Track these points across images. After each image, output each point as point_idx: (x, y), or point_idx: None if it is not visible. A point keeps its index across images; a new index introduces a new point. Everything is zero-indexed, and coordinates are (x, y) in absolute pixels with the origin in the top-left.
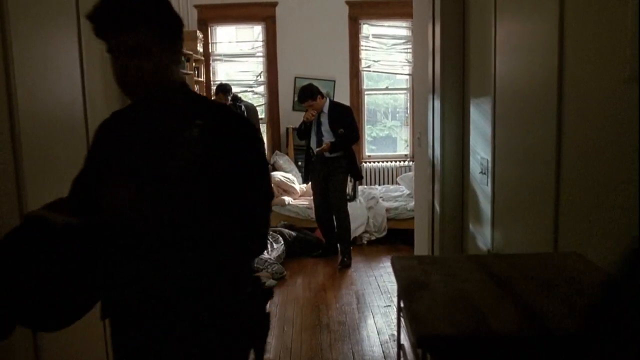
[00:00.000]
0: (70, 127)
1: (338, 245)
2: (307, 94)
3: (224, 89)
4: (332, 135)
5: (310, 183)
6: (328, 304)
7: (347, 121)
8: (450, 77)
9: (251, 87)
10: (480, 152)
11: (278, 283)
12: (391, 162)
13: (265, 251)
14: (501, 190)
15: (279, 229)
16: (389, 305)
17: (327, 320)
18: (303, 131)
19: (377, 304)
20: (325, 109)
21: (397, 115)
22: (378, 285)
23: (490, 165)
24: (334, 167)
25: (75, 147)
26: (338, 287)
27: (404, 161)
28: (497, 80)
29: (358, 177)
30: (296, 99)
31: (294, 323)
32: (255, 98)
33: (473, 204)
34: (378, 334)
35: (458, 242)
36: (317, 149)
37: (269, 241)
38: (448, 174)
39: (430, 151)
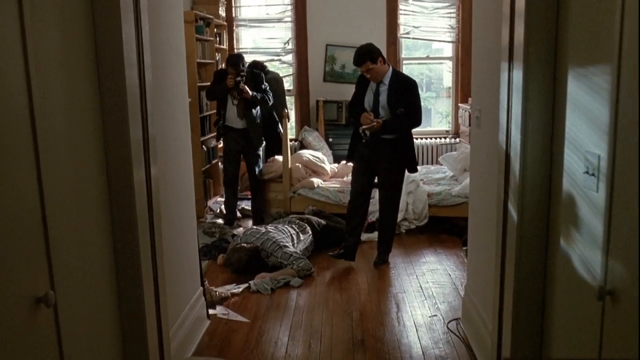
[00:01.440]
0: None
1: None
2: (366, 54)
3: (232, 61)
4: (389, 113)
5: (352, 165)
6: (363, 311)
7: (411, 99)
8: (538, 42)
9: (278, 55)
10: (586, 143)
11: (304, 282)
12: (430, 138)
13: (290, 243)
14: (624, 200)
15: (307, 216)
16: (435, 315)
17: (361, 335)
18: (354, 107)
19: (421, 312)
20: (387, 79)
21: (432, 86)
22: (420, 286)
23: (605, 163)
24: (387, 153)
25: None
26: (374, 289)
27: (445, 138)
28: (623, 41)
29: (412, 169)
30: (328, 65)
31: (322, 337)
32: (283, 68)
33: (570, 216)
34: (424, 355)
35: (541, 264)
36: (365, 126)
37: (294, 232)
38: (531, 170)
39: (501, 136)
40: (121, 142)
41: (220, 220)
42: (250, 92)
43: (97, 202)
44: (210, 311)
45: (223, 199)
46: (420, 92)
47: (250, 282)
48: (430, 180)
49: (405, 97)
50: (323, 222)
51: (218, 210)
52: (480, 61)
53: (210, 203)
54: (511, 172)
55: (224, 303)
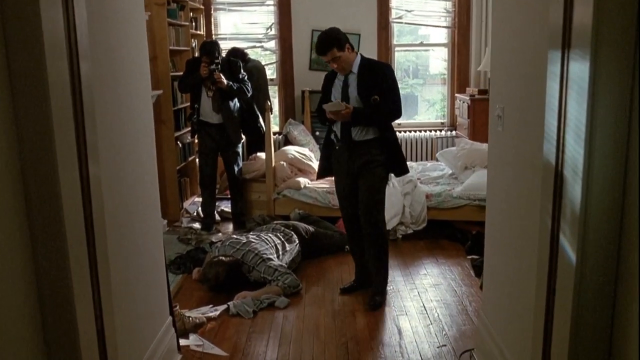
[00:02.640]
0: None
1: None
2: (332, 40)
3: (207, 49)
4: (361, 104)
5: (333, 179)
6: (359, 340)
7: (386, 85)
8: (614, 23)
9: (260, 42)
10: None
11: (291, 301)
12: (423, 131)
13: (275, 254)
14: None
15: (293, 222)
16: (444, 346)
17: None
18: (323, 112)
19: (427, 340)
20: (355, 67)
21: (419, 73)
22: (423, 306)
23: None
24: (367, 157)
25: None
26: (372, 311)
27: (441, 130)
28: None
29: (401, 171)
30: (314, 53)
31: None
32: (266, 55)
33: None
34: None
35: (607, 322)
36: (329, 112)
37: (278, 241)
38: (598, 198)
39: (548, 147)
40: (41, 140)
41: (197, 225)
42: (226, 82)
43: (8, 215)
44: (182, 341)
45: (200, 200)
46: (406, 79)
47: (229, 303)
48: (427, 179)
49: (379, 84)
50: (311, 228)
51: (195, 213)
52: (502, 48)
53: (186, 204)
54: (566, 198)
55: (199, 331)
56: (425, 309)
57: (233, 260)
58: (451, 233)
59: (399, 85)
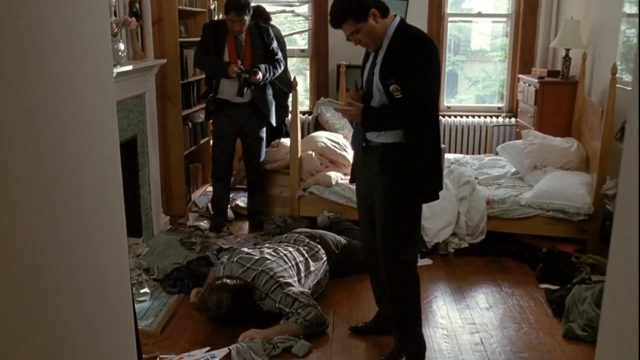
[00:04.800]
0: None
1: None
2: (344, 9)
3: (236, 4)
4: (384, 95)
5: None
6: None
7: (412, 70)
8: None
9: (291, 6)
10: None
11: (314, 344)
12: (475, 116)
13: (296, 277)
14: None
15: (320, 233)
16: None
17: None
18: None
19: None
20: (387, 40)
21: (460, 48)
22: (487, 356)
23: None
24: (382, 169)
25: None
26: None
27: (498, 117)
28: None
29: (427, 196)
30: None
31: None
32: (298, 22)
33: None
34: None
35: None
36: (337, 110)
37: (301, 258)
38: None
39: None
40: None
41: (204, 224)
42: (260, 73)
43: None
44: None
45: (212, 192)
46: (445, 59)
47: (231, 347)
48: (486, 180)
49: (403, 65)
50: (343, 240)
51: (204, 208)
52: None
53: (195, 196)
54: None
55: None
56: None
57: (241, 285)
58: (516, 250)
59: (444, 69)
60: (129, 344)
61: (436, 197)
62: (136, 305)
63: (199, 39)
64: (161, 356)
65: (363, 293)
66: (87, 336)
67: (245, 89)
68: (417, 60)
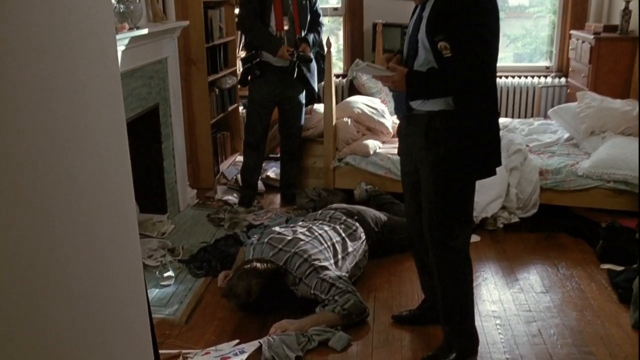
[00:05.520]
0: None
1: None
2: None
3: None
4: (430, 57)
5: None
6: None
7: (463, 24)
8: None
9: None
10: None
11: (353, 336)
12: (519, 76)
13: (332, 259)
14: None
15: (358, 209)
16: None
17: None
18: None
19: None
20: None
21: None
22: (549, 354)
23: None
24: (429, 140)
25: None
26: None
27: (546, 77)
28: None
29: (483, 171)
30: None
31: None
32: None
33: None
34: None
35: None
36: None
37: (337, 238)
38: None
39: None
40: None
41: (233, 197)
42: (309, 49)
43: None
44: None
45: (242, 163)
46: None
47: (262, 340)
48: (537, 147)
49: (454, 18)
50: (383, 217)
51: (233, 180)
52: None
53: (224, 167)
54: None
55: None
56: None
57: (272, 269)
58: (572, 225)
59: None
60: (144, 343)
61: (492, 173)
62: (160, 291)
63: None
64: (184, 352)
65: (405, 275)
66: (96, 337)
67: (296, 67)
68: (470, 11)
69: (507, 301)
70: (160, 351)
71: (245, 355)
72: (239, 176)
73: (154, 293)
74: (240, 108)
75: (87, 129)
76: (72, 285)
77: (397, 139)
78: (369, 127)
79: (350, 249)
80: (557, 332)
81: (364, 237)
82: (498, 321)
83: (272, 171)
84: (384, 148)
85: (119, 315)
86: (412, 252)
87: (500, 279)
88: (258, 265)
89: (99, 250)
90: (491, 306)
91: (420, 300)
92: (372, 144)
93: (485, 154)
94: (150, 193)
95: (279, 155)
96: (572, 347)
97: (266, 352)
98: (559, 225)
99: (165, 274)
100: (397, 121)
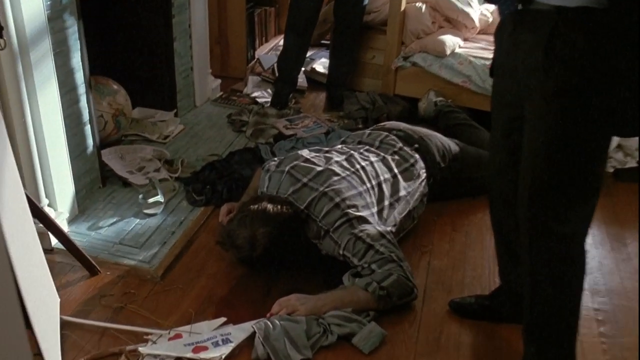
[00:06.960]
0: None
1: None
2: None
3: None
4: None
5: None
6: None
7: None
8: None
9: None
10: None
11: (390, 330)
12: None
13: (377, 206)
14: None
15: (422, 132)
16: None
17: None
18: None
19: None
20: None
21: None
22: None
23: None
24: (544, 65)
25: None
26: None
27: None
28: None
29: (622, 128)
30: None
31: None
32: None
33: None
34: None
35: None
36: None
37: (387, 175)
38: None
39: None
40: None
41: (266, 94)
42: None
43: None
44: None
45: (282, 49)
46: None
47: (256, 325)
48: None
49: None
50: (454, 147)
51: (270, 70)
52: None
53: (260, 52)
54: None
55: None
56: None
57: (288, 214)
58: None
59: None
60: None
61: None
62: (140, 222)
63: None
64: (129, 348)
65: (476, 233)
66: None
67: None
68: None
69: (618, 292)
70: (117, 349)
71: (230, 349)
72: (275, 66)
73: (131, 225)
74: None
75: None
76: None
77: (483, 37)
78: (449, 17)
79: (402, 192)
80: None
81: (425, 175)
82: (603, 328)
83: (320, 63)
84: (465, 48)
85: None
86: (491, 217)
87: (607, 253)
88: (269, 206)
89: None
90: (593, 301)
91: (496, 287)
92: (451, 41)
93: None
94: (155, 82)
95: (329, 42)
96: None
97: (259, 345)
98: None
99: (150, 200)
100: (491, 16)
